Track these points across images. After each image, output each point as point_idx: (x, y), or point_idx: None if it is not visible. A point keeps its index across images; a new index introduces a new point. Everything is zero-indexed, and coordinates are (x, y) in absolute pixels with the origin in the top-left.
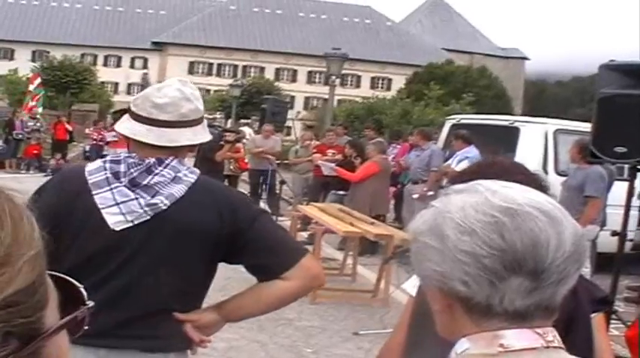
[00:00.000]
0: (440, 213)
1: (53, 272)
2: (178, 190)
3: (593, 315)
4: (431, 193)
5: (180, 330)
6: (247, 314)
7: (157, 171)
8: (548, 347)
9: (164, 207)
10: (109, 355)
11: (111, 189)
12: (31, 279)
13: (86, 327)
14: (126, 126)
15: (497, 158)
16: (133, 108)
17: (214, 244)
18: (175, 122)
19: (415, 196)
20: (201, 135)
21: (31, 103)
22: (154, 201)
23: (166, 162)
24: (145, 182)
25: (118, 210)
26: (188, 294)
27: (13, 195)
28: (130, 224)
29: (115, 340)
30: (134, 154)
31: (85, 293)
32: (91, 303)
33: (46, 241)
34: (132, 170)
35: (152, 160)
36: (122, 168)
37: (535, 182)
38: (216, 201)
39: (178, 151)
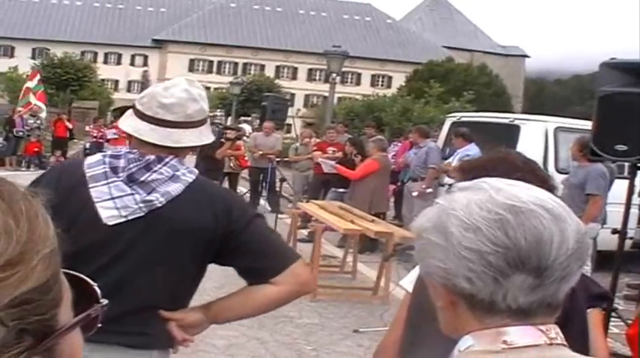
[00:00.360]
0: (444, 211)
1: (67, 270)
2: (175, 189)
3: (589, 311)
4: (429, 190)
5: (166, 328)
6: (234, 317)
7: (155, 169)
8: (551, 344)
9: (159, 205)
10: (94, 350)
11: (108, 183)
12: (45, 277)
13: (99, 325)
14: (130, 123)
15: (510, 154)
16: (138, 107)
17: (207, 244)
18: (181, 123)
19: (414, 194)
20: (205, 136)
21: (35, 101)
22: (149, 197)
23: (166, 160)
24: (142, 178)
25: (112, 204)
26: (177, 293)
27: (29, 193)
28: (124, 219)
29: (101, 335)
30: (135, 150)
31: (99, 291)
32: (105, 301)
33: (60, 239)
34: (131, 165)
35: (152, 157)
36: (121, 163)
37: (542, 181)
38: (212, 201)
39: (180, 151)
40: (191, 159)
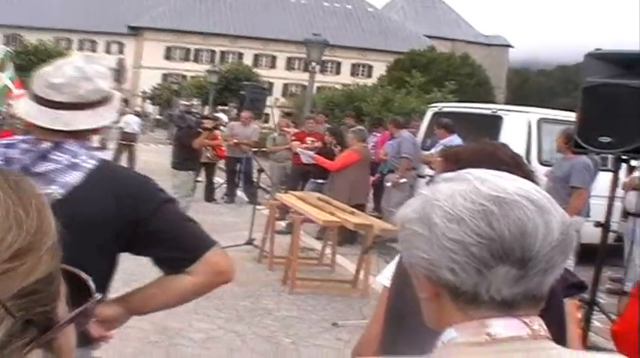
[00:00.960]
0: (428, 201)
1: (62, 265)
2: (75, 177)
3: (565, 300)
4: (403, 180)
5: None
6: (153, 308)
7: (52, 157)
8: (534, 337)
9: (59, 197)
10: None
11: None
12: (50, 269)
13: (93, 319)
14: (22, 105)
15: (497, 147)
16: (32, 87)
17: (114, 234)
18: (72, 104)
19: (388, 184)
20: (103, 118)
21: (13, 88)
22: (47, 190)
23: (64, 146)
24: (38, 169)
25: None
26: None
27: (35, 185)
28: None
29: None
30: (30, 138)
31: (92, 285)
32: (98, 296)
33: (60, 232)
34: (24, 156)
35: (47, 145)
36: (16, 153)
37: (526, 176)
38: (116, 187)
39: (78, 134)
40: (167, 149)
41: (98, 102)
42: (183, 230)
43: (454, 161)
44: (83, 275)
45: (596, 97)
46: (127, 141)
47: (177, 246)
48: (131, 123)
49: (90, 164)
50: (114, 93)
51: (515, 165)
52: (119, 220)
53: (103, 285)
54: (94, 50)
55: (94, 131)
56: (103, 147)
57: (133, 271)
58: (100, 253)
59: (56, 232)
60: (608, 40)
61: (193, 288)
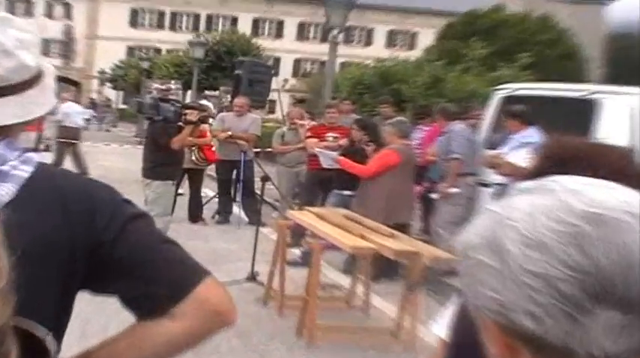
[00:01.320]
0: (499, 221)
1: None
2: (5, 191)
3: None
4: (455, 190)
5: None
6: None
7: None
8: None
9: None
10: None
11: None
12: (2, 319)
13: None
14: None
15: (607, 149)
16: None
17: (65, 265)
18: None
19: (433, 196)
20: (35, 105)
21: None
22: None
23: None
24: None
25: None
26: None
27: None
28: None
29: None
30: None
31: (52, 346)
32: None
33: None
34: None
35: None
36: None
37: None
38: (64, 201)
39: (5, 131)
40: (137, 151)
41: (26, 83)
42: (163, 255)
43: (547, 157)
44: (39, 331)
45: None
46: (67, 138)
47: (154, 278)
48: (71, 113)
49: (25, 172)
50: (47, 68)
51: (622, 171)
52: (71, 245)
53: (53, 333)
54: (29, 13)
55: (26, 125)
56: (46, 148)
57: (89, 316)
58: (48, 290)
59: (8, 275)
60: None
61: (182, 337)
